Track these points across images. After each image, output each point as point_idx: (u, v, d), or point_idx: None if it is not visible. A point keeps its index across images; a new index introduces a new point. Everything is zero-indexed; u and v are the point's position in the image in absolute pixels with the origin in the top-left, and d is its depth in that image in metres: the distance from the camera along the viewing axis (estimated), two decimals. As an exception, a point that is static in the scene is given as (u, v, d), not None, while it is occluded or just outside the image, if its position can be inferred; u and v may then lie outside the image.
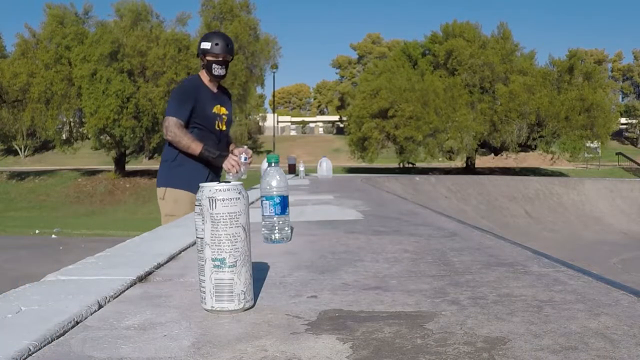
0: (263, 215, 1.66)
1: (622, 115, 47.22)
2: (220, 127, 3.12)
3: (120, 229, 14.76)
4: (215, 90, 3.14)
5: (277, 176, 1.63)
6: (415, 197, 7.26)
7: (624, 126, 50.87)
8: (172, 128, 2.90)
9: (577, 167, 33.29)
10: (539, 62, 31.15)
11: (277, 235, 1.66)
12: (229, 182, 0.94)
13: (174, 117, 2.92)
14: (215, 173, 3.10)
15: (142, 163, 31.15)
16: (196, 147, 2.93)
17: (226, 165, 2.98)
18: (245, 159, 2.97)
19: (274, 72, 29.72)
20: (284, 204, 1.64)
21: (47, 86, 23.64)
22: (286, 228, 1.68)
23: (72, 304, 0.93)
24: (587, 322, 0.83)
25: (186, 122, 2.96)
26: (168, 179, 3.04)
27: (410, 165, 30.05)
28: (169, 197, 3.01)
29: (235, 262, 0.90)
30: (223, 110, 3.12)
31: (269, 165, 1.67)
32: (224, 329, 0.84)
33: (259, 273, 1.17)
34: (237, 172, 2.94)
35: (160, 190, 3.07)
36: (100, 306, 0.96)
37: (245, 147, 3.05)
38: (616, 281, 1.09)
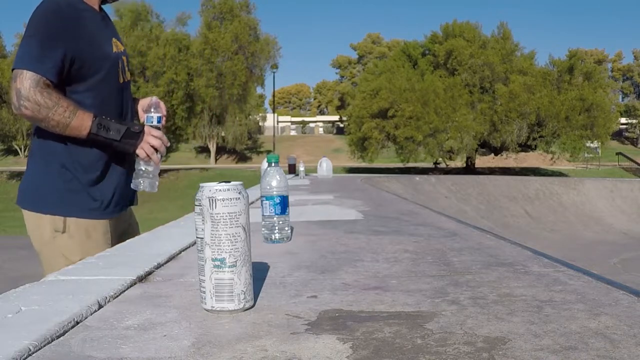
0: (263, 215, 1.66)
1: (622, 115, 47.24)
2: (125, 77, 1.83)
3: (120, 229, 14.74)
4: (98, 11, 1.79)
5: (277, 176, 1.63)
6: (415, 197, 7.26)
7: (624, 126, 50.88)
8: (31, 92, 1.54)
9: (577, 167, 33.29)
10: (539, 62, 31.19)
11: (277, 235, 1.66)
12: (226, 184, 0.93)
13: (32, 71, 1.55)
14: (129, 169, 1.81)
15: (142, 163, 31.04)
16: (81, 122, 1.59)
17: (142, 150, 1.69)
18: (159, 119, 1.76)
19: (274, 72, 29.73)
20: (284, 204, 1.64)
21: (47, 86, 23.58)
22: (286, 228, 1.69)
23: (72, 304, 0.93)
24: (587, 322, 0.83)
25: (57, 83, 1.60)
26: (65, 197, 1.69)
27: (441, 165, 29.85)
28: (76, 229, 1.69)
29: (235, 262, 0.90)
30: (121, 47, 1.84)
31: (269, 165, 1.67)
32: (224, 329, 0.84)
33: (259, 273, 1.17)
34: (159, 157, 1.73)
35: (47, 220, 1.68)
36: (100, 306, 0.96)
37: (155, 97, 1.83)
38: (616, 281, 1.09)
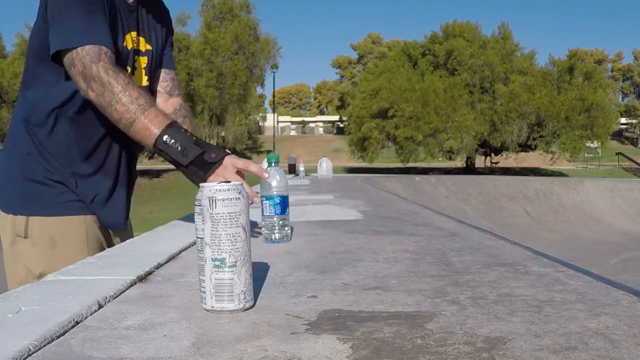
0: (263, 215, 1.66)
1: (622, 115, 47.27)
2: (138, 79, 1.52)
3: (120, 229, 14.74)
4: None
5: (277, 176, 1.63)
6: (415, 197, 7.26)
7: (624, 126, 50.91)
8: (94, 70, 1.27)
9: (577, 167, 33.30)
10: (539, 62, 31.23)
11: (277, 235, 1.66)
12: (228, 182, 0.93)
13: (88, 44, 1.28)
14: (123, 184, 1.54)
15: (142, 163, 31.12)
16: (150, 124, 1.29)
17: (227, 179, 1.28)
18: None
19: (274, 72, 29.75)
20: (284, 204, 1.64)
21: (47, 86, 23.61)
22: (286, 228, 1.69)
23: (72, 304, 0.93)
24: (587, 322, 0.83)
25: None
26: (27, 190, 1.42)
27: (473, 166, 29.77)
28: (40, 234, 1.41)
29: (235, 262, 0.90)
30: (144, 45, 1.54)
31: (269, 165, 1.67)
32: (224, 329, 0.84)
33: (259, 273, 1.17)
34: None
35: (9, 221, 1.43)
36: (100, 306, 0.96)
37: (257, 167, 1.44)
38: (616, 281, 1.09)
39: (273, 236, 1.66)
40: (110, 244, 1.59)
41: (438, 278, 1.17)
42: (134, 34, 1.49)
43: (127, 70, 1.45)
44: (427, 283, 1.12)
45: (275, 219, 1.65)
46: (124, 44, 1.46)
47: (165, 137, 1.28)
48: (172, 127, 1.30)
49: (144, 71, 1.55)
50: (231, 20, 28.16)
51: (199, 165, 1.31)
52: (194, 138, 1.32)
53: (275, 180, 1.62)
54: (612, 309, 0.90)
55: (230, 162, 1.32)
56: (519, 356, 0.70)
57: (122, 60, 1.45)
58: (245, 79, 27.41)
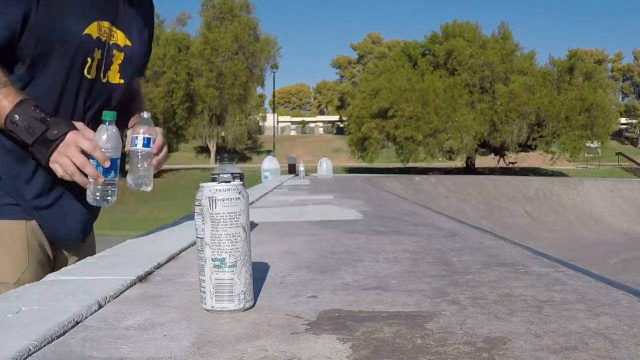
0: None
1: (622, 115, 47.29)
2: (97, 74, 1.37)
3: (120, 229, 14.76)
4: None
5: (104, 136, 1.26)
6: (415, 197, 7.26)
7: (624, 126, 50.93)
8: None
9: (577, 167, 33.31)
10: (539, 62, 31.26)
11: (93, 198, 1.30)
12: (229, 182, 0.93)
13: None
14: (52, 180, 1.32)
15: (142, 163, 31.05)
16: (5, 101, 1.19)
17: (58, 165, 1.23)
18: (147, 141, 1.34)
19: (274, 72, 29.76)
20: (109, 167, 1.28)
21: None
22: (108, 192, 1.31)
23: (72, 304, 0.93)
24: (587, 322, 0.83)
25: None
26: None
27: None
28: None
29: (236, 262, 0.90)
30: (124, 40, 1.42)
31: (103, 122, 1.27)
32: (224, 329, 0.84)
33: (259, 273, 1.17)
34: (89, 181, 1.26)
35: None
36: (100, 306, 0.96)
37: (158, 129, 1.40)
38: (616, 281, 1.09)
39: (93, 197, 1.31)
40: (62, 258, 1.45)
41: (438, 278, 1.17)
42: (105, 23, 1.35)
43: (86, 62, 1.33)
44: (427, 283, 1.12)
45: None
46: (87, 31, 1.31)
47: (14, 116, 1.18)
48: (22, 104, 1.19)
49: (118, 67, 1.41)
50: (231, 20, 28.18)
51: (42, 143, 1.21)
52: (43, 115, 1.21)
53: (102, 140, 1.27)
54: (612, 309, 0.90)
55: (74, 140, 1.22)
56: (519, 356, 0.70)
57: (81, 47, 1.31)
58: (245, 79, 27.43)
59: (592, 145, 30.25)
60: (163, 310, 0.95)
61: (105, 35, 1.36)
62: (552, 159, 29.95)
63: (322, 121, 64.03)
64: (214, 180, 1.03)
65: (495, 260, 1.36)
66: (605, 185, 11.67)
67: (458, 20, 30.14)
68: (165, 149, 1.42)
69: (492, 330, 0.81)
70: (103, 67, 1.37)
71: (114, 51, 1.39)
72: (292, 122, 64.73)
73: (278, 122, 51.95)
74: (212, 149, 38.97)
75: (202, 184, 0.92)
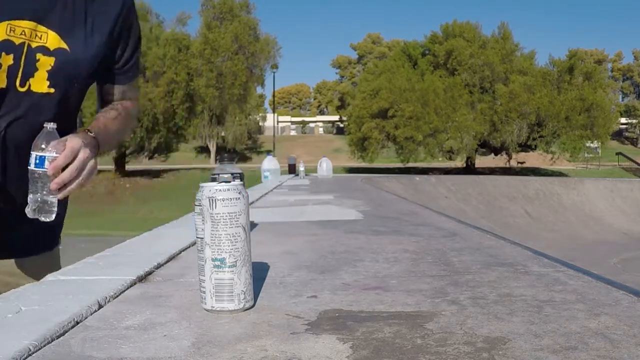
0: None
1: (622, 115, 47.28)
2: (11, 82, 1.15)
3: (120, 229, 14.76)
4: None
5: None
6: (415, 197, 7.26)
7: (624, 126, 50.92)
8: None
9: (577, 167, 33.30)
10: (539, 62, 31.23)
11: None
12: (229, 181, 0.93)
13: None
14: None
15: (142, 163, 31.13)
16: None
17: None
18: (40, 160, 1.06)
19: (274, 72, 29.75)
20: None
21: (47, 86, 23.58)
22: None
23: (72, 304, 0.93)
24: (587, 322, 0.83)
25: None
26: None
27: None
28: None
29: (235, 262, 0.90)
30: (58, 42, 1.19)
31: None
32: (224, 329, 0.84)
33: (259, 273, 1.17)
34: None
35: None
36: (100, 306, 0.96)
37: (80, 140, 1.09)
38: (616, 281, 1.09)
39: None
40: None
41: (438, 278, 1.17)
42: (25, 23, 1.15)
43: None
44: (427, 283, 1.12)
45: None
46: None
47: None
48: None
49: (47, 74, 1.19)
50: (231, 20, 28.18)
51: None
52: None
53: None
54: (612, 309, 0.90)
55: None
56: (519, 356, 0.70)
57: None
58: (245, 79, 27.42)
59: (592, 145, 30.24)
60: (163, 310, 0.95)
61: (23, 37, 1.16)
62: (552, 159, 29.93)
63: (322, 121, 64.02)
64: (214, 180, 1.02)
65: (495, 260, 1.36)
66: (605, 185, 11.67)
67: (458, 20, 30.16)
68: (77, 168, 1.08)
69: (492, 330, 0.81)
70: (20, 75, 1.16)
71: (39, 55, 1.18)
72: (292, 122, 64.73)
73: (278, 122, 51.94)
74: (212, 149, 38.96)
75: (202, 184, 0.92)
